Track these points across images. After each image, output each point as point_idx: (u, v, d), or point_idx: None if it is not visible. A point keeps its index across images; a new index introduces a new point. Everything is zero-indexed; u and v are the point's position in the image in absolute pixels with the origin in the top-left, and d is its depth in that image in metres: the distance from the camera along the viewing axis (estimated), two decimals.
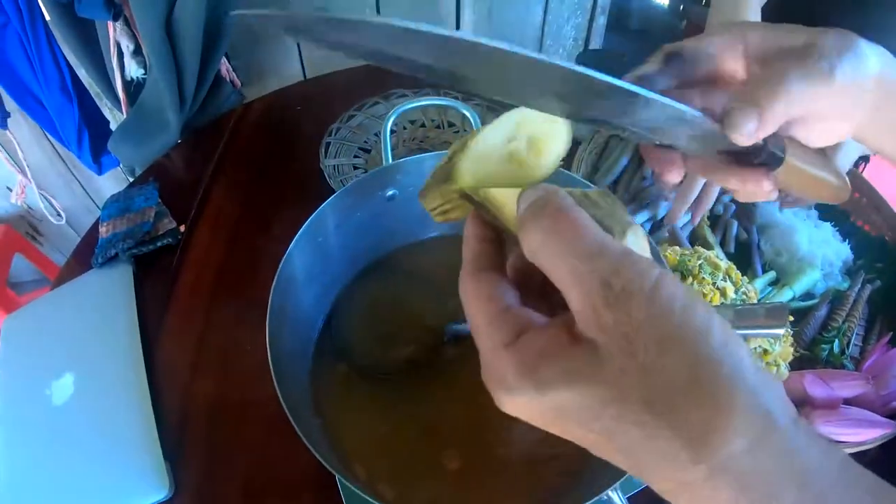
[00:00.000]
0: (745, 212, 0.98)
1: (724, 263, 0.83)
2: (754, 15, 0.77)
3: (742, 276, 0.83)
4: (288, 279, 0.58)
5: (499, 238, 0.34)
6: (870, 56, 0.39)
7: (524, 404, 0.29)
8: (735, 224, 0.96)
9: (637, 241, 0.31)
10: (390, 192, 0.68)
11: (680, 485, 0.26)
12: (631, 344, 0.26)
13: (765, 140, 0.39)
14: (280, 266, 0.56)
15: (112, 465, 0.76)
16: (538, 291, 0.34)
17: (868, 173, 1.26)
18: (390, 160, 0.65)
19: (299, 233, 0.58)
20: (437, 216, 0.39)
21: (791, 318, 0.81)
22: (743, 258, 0.92)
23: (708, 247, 0.89)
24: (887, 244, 0.94)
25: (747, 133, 0.37)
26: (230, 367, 0.86)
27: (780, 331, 0.47)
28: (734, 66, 0.42)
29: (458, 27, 1.43)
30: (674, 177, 0.44)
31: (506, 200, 0.33)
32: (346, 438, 0.61)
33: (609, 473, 0.49)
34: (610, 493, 0.49)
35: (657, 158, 0.44)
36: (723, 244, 0.94)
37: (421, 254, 0.74)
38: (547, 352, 0.28)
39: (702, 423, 0.25)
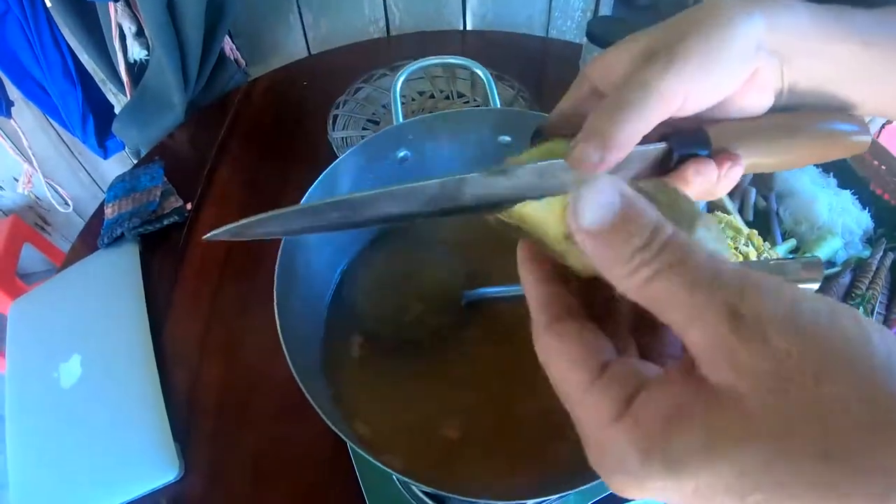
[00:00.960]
0: (764, 180, 0.95)
1: (745, 229, 0.80)
2: None
3: (764, 242, 0.80)
4: (297, 238, 0.55)
5: (562, 270, 0.30)
6: (741, 23, 0.33)
7: (658, 490, 0.22)
8: (753, 191, 0.94)
9: (710, 234, 0.27)
10: (402, 154, 0.65)
11: None
12: (783, 382, 0.20)
13: (667, 138, 0.35)
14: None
15: (121, 447, 0.75)
16: (604, 308, 0.30)
17: (886, 140, 1.23)
18: (401, 119, 0.63)
19: (310, 189, 0.56)
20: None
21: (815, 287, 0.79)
22: (762, 226, 0.90)
23: (727, 213, 0.86)
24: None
25: (593, 161, 0.31)
26: (239, 346, 0.84)
27: (816, 285, 0.43)
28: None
29: None
30: None
31: (546, 217, 0.30)
32: (358, 409, 0.59)
33: None
34: None
35: None
36: (741, 212, 0.91)
37: (435, 218, 0.71)
38: (675, 416, 0.22)
39: (888, 472, 0.19)
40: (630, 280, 0.24)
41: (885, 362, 0.19)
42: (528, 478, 0.55)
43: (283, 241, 0.53)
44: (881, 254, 0.86)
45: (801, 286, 0.43)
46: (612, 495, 0.68)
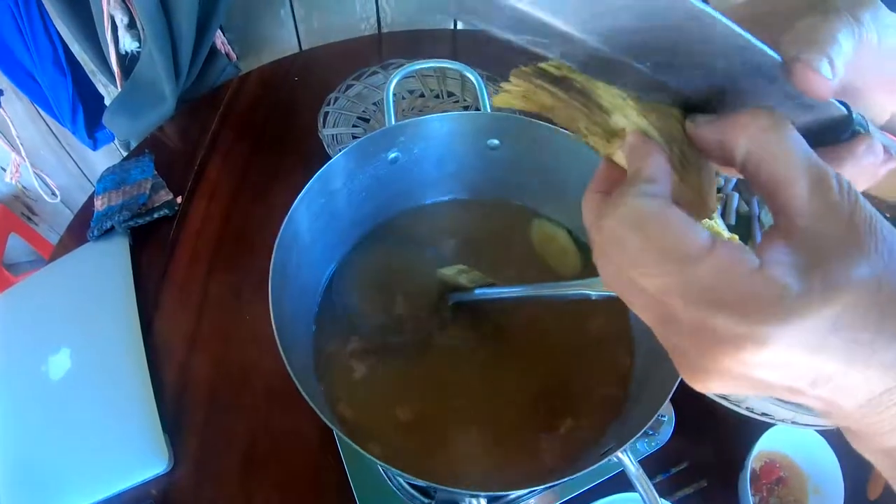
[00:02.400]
0: (746, 184, 0.97)
1: (726, 233, 0.82)
2: None
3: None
4: (292, 237, 0.56)
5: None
6: (893, 21, 0.32)
7: (803, 331, 0.23)
8: (736, 196, 0.95)
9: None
10: (393, 155, 0.66)
11: None
12: (876, 230, 0.24)
13: (846, 104, 0.32)
14: (284, 222, 0.55)
15: (111, 439, 0.75)
16: None
17: None
18: (393, 121, 0.64)
19: (304, 190, 0.57)
20: (506, 95, 0.33)
21: None
22: (743, 230, 0.91)
23: (709, 218, 0.88)
24: (888, 220, 0.93)
25: (824, 74, 0.28)
26: (229, 338, 0.85)
27: None
28: None
29: None
30: None
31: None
32: (345, 402, 0.60)
33: (621, 435, 0.48)
34: (620, 454, 0.47)
35: None
36: (723, 216, 0.93)
37: (424, 218, 0.73)
38: (817, 248, 0.24)
39: None
40: (765, 135, 0.26)
41: None
42: (513, 470, 0.56)
43: (278, 238, 0.54)
44: None
45: None
46: (595, 488, 0.69)
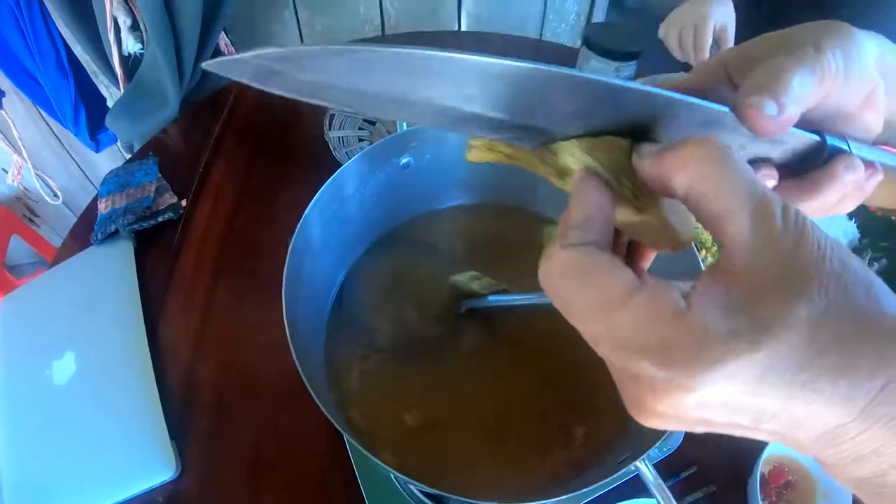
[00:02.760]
0: None
1: None
2: None
3: None
4: (304, 242, 0.56)
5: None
6: (864, 40, 0.33)
7: (729, 377, 0.23)
8: None
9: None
10: (405, 160, 0.66)
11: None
12: (823, 262, 0.24)
13: (818, 132, 0.34)
14: (297, 228, 0.54)
15: (117, 445, 0.75)
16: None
17: None
18: (405, 126, 0.63)
19: (316, 196, 0.56)
20: (476, 151, 0.34)
21: None
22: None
23: None
24: (893, 224, 0.93)
25: (770, 114, 0.29)
26: (235, 343, 0.84)
27: None
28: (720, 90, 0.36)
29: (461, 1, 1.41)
30: None
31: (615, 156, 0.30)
32: (357, 408, 0.60)
33: (637, 443, 0.48)
34: (638, 463, 0.47)
35: None
36: None
37: (436, 224, 0.73)
38: (746, 292, 0.24)
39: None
40: (703, 169, 0.26)
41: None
42: (526, 479, 0.56)
43: (291, 245, 0.53)
44: (866, 263, 0.87)
45: None
46: (606, 494, 0.69)
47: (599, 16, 1.48)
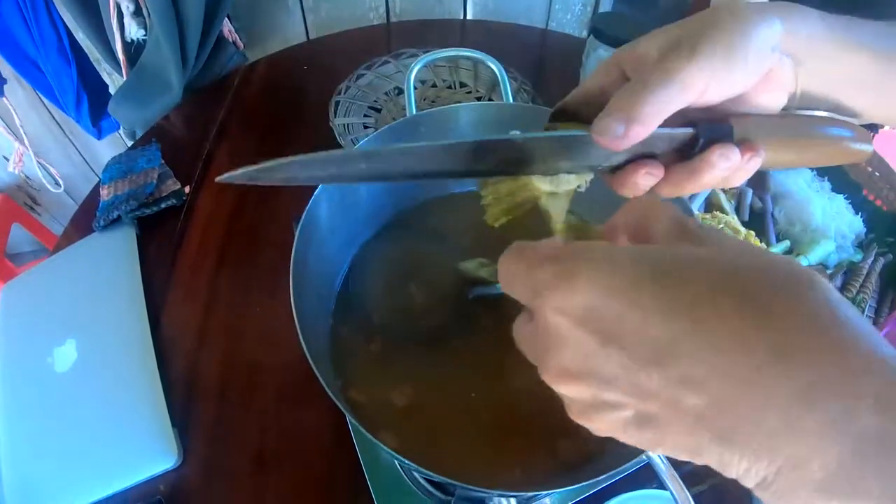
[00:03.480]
0: (760, 181, 0.96)
1: (742, 229, 0.81)
2: None
3: (759, 242, 0.81)
4: (312, 227, 0.55)
5: None
6: (759, 25, 0.37)
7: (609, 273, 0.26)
8: (750, 192, 0.95)
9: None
10: None
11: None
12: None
13: (694, 125, 0.39)
14: (304, 212, 0.54)
15: (118, 433, 0.74)
16: None
17: (880, 147, 1.23)
18: (414, 111, 0.63)
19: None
20: (495, 210, 0.44)
21: None
22: (757, 227, 0.91)
23: (724, 214, 0.87)
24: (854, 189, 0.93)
25: (612, 135, 0.35)
26: (239, 331, 0.83)
27: None
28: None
29: None
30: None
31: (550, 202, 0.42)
32: (365, 395, 0.59)
33: None
34: (650, 453, 0.46)
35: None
36: (738, 212, 0.93)
37: (445, 210, 0.72)
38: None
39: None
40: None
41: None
42: (532, 467, 0.55)
43: (298, 232, 0.52)
44: (872, 258, 0.87)
45: None
46: (615, 484, 0.68)
47: (606, 6, 1.47)
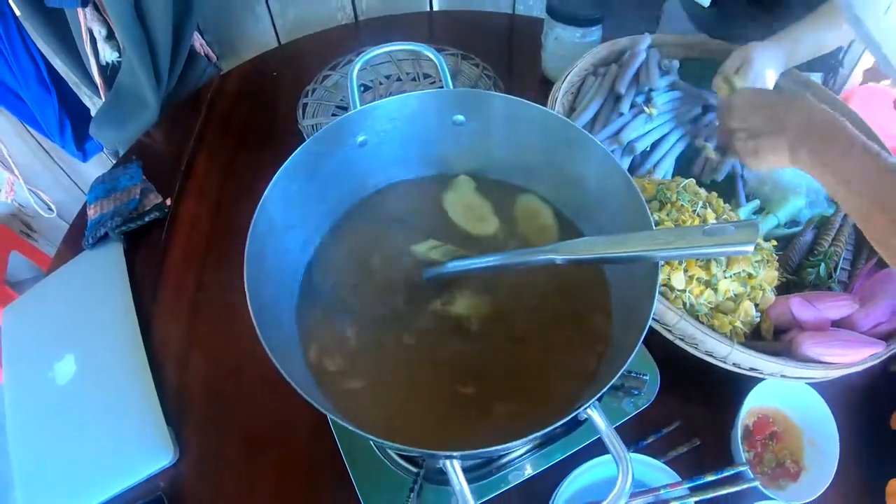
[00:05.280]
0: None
1: (703, 192, 0.83)
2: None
3: (725, 204, 0.83)
4: (267, 224, 0.58)
5: None
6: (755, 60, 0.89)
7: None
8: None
9: None
10: (361, 138, 0.68)
11: None
12: None
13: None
14: (256, 211, 0.57)
15: (118, 436, 0.78)
16: None
17: (855, 104, 1.25)
18: (358, 106, 0.65)
19: (273, 178, 0.59)
20: None
21: (775, 244, 0.81)
22: (728, 188, 0.93)
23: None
24: None
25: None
26: (224, 331, 0.87)
27: (750, 248, 0.45)
28: None
29: None
30: None
31: None
32: (337, 383, 0.62)
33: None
34: (590, 411, 0.48)
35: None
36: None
37: (397, 197, 0.74)
38: None
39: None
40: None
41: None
42: (492, 434, 0.58)
43: (251, 228, 0.55)
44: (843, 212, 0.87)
45: (733, 248, 0.45)
46: (581, 450, 0.71)
47: None
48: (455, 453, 0.44)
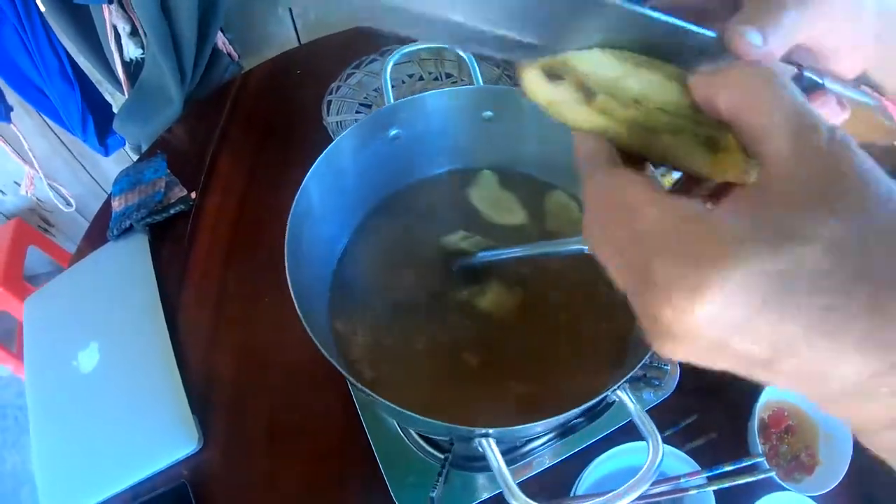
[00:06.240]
0: None
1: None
2: None
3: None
4: (304, 211, 0.60)
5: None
6: None
7: (738, 277, 0.22)
8: None
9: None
10: (394, 132, 0.69)
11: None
12: (867, 185, 0.22)
13: (798, 65, 0.35)
14: (296, 196, 0.58)
15: (143, 424, 0.79)
16: None
17: None
18: (391, 100, 0.67)
19: (313, 167, 0.60)
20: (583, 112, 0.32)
21: None
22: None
23: None
24: (892, 174, 0.94)
25: (755, 45, 0.30)
26: (249, 322, 0.88)
27: None
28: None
29: None
30: None
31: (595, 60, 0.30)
32: (365, 364, 0.63)
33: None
34: (619, 392, 0.49)
35: None
36: None
37: (429, 190, 0.76)
38: (771, 201, 0.23)
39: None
40: (747, 85, 0.26)
41: None
42: (529, 408, 0.59)
43: (291, 211, 0.57)
44: None
45: None
46: (609, 435, 0.73)
47: None
48: (491, 430, 0.46)
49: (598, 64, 0.30)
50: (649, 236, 0.25)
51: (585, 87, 0.30)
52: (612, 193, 0.27)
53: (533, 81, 0.31)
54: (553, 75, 0.30)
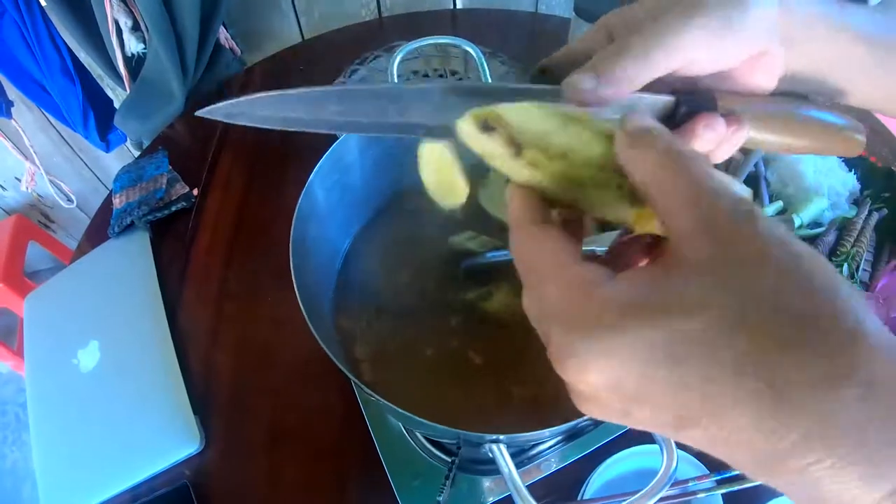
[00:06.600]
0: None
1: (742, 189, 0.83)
2: None
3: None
4: (309, 209, 0.58)
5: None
6: (754, 3, 0.34)
7: (618, 348, 0.23)
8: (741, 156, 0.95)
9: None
10: None
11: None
12: (767, 257, 0.23)
13: (676, 93, 0.36)
14: (301, 194, 0.57)
15: (144, 424, 0.78)
16: None
17: None
18: None
19: (318, 164, 0.59)
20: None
21: None
22: (751, 190, 0.92)
23: None
24: (894, 174, 0.94)
25: (586, 89, 0.32)
26: (250, 321, 0.87)
27: None
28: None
29: None
30: None
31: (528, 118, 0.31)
32: (368, 364, 0.63)
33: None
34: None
35: None
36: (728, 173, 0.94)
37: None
38: (665, 274, 0.24)
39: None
40: (653, 162, 0.27)
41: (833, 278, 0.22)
42: (529, 421, 0.58)
43: (297, 209, 0.56)
44: (866, 213, 0.88)
45: None
46: (617, 439, 0.72)
47: None
48: (502, 436, 0.45)
49: (526, 118, 0.31)
50: (548, 303, 0.26)
51: (515, 141, 0.31)
52: (528, 255, 0.29)
53: (466, 132, 0.31)
54: (488, 126, 0.31)
